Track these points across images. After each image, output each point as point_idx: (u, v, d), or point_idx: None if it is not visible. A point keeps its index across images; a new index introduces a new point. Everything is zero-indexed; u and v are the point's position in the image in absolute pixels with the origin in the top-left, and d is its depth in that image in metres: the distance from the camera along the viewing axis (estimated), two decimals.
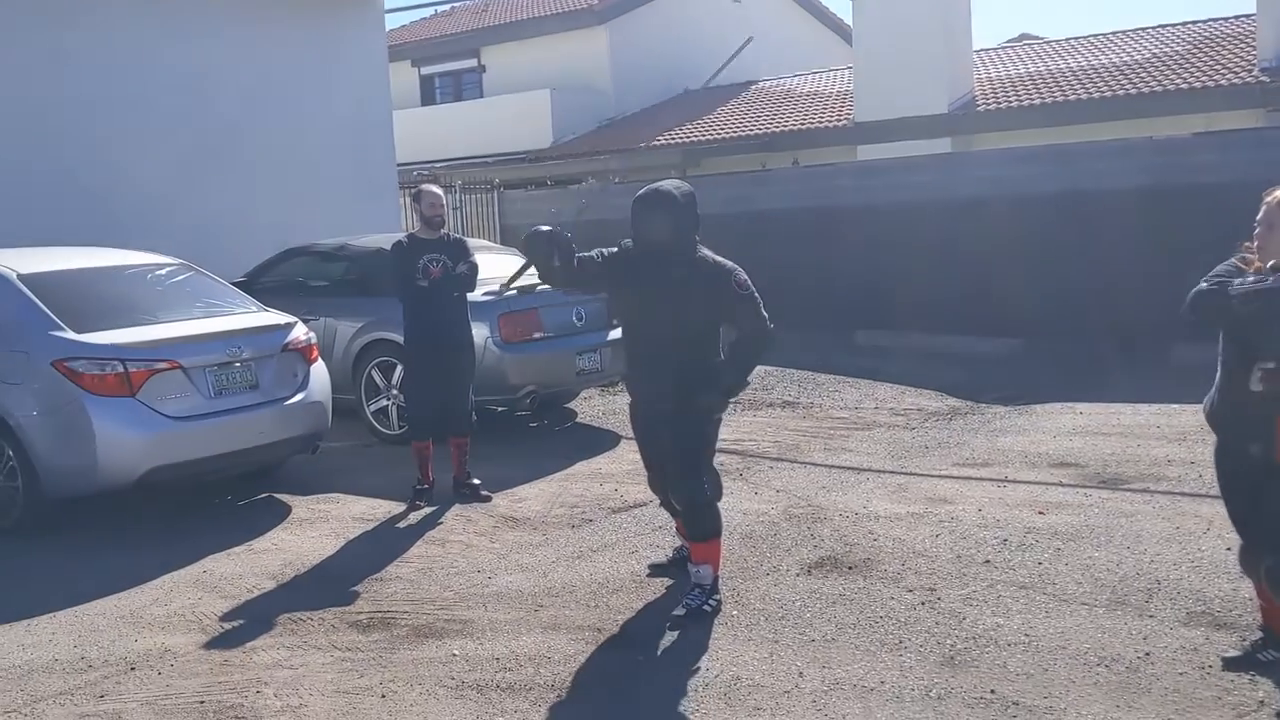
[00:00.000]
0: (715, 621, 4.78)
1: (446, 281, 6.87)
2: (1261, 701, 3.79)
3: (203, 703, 4.20)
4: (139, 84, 11.38)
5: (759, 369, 11.48)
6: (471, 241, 7.68)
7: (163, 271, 7.29)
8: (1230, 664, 3.98)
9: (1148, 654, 4.20)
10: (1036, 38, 24.19)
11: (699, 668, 4.31)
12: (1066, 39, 20.10)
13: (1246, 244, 3.92)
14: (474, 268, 6.99)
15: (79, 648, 4.80)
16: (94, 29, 11.07)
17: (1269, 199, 3.84)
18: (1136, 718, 3.71)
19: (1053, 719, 3.73)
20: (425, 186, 7.09)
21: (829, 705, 3.93)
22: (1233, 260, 3.92)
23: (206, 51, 11.93)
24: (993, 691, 3.95)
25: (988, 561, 5.36)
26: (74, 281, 6.81)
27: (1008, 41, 24.73)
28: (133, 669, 4.55)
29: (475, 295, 7.42)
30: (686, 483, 4.84)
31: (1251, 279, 3.72)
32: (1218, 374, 3.97)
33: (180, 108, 11.71)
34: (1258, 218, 3.85)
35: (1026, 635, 4.43)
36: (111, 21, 11.22)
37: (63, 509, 6.51)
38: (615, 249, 4.94)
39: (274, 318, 7.11)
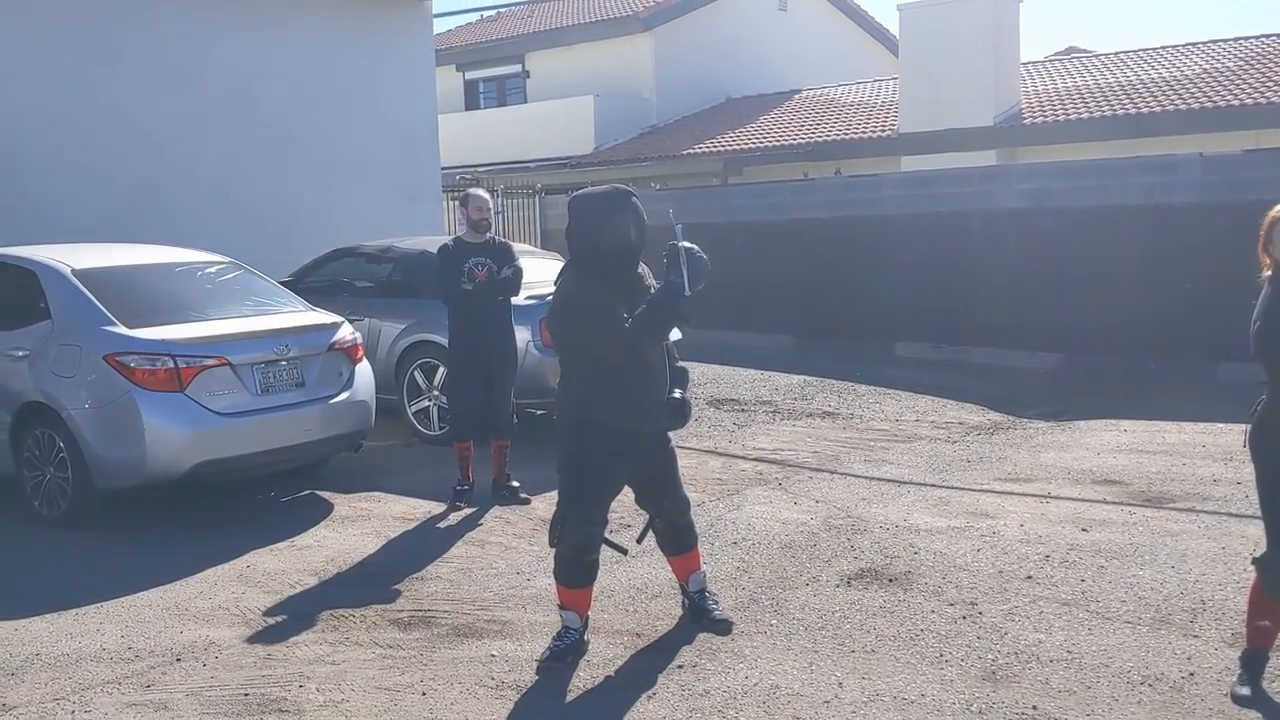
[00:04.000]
0: (755, 629, 4.79)
1: (491, 285, 6.92)
2: None
3: (246, 695, 4.26)
4: (189, 85, 11.56)
5: (797, 379, 11.58)
6: (516, 246, 7.72)
7: (212, 269, 7.40)
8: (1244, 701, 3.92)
9: (1192, 674, 4.16)
10: (1085, 51, 24.01)
11: (738, 676, 4.32)
12: (1115, 53, 19.93)
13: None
14: (519, 272, 7.03)
15: (125, 638, 4.88)
16: (144, 30, 11.26)
17: None
18: None
19: None
20: (472, 190, 7.14)
21: (869, 716, 3.92)
22: (1266, 289, 3.90)
23: (256, 53, 12.09)
24: (1035, 708, 3.93)
25: (1030, 577, 5.32)
26: (126, 277, 6.92)
27: (1055, 54, 24.55)
28: (178, 660, 4.62)
29: (518, 299, 7.46)
30: (683, 494, 4.89)
31: None
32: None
33: (229, 109, 11.88)
34: None
35: (1069, 652, 4.40)
36: (162, 22, 11.40)
37: (110, 502, 6.61)
38: (572, 288, 4.53)
39: (321, 317, 7.19)
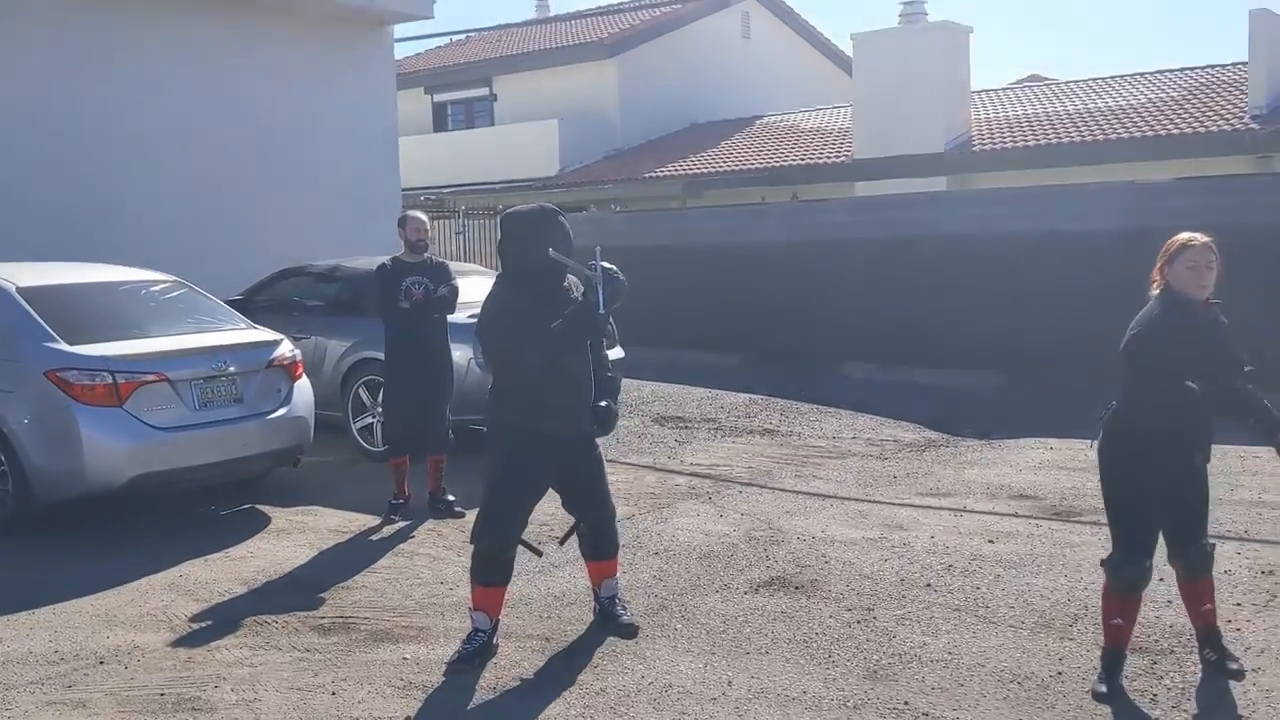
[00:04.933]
0: (659, 634, 5.00)
1: (428, 304, 7.15)
2: (1153, 718, 4.00)
3: (163, 695, 4.44)
4: (151, 106, 11.75)
5: (744, 397, 11.84)
6: (455, 265, 7.95)
7: (157, 288, 7.59)
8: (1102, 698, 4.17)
9: (1060, 673, 4.41)
10: (1047, 79, 24.47)
11: (635, 675, 4.53)
12: (1067, 82, 20.40)
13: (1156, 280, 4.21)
14: (454, 290, 7.26)
15: (54, 642, 5.05)
16: (109, 49, 11.45)
17: (1194, 243, 4.11)
18: None
19: None
20: (410, 212, 7.38)
21: (750, 712, 4.14)
22: (1153, 304, 4.18)
23: (220, 75, 12.31)
24: (906, 703, 4.16)
25: (929, 585, 5.57)
26: (70, 295, 7.11)
27: (1018, 81, 25.03)
28: (101, 663, 4.80)
29: (459, 317, 7.69)
30: (609, 502, 5.12)
31: None
32: (1142, 396, 4.19)
33: (192, 128, 12.08)
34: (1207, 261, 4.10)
35: (950, 653, 4.65)
36: (126, 42, 11.60)
37: (52, 513, 6.77)
38: (499, 299, 4.84)
39: (260, 334, 7.38)
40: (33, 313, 6.76)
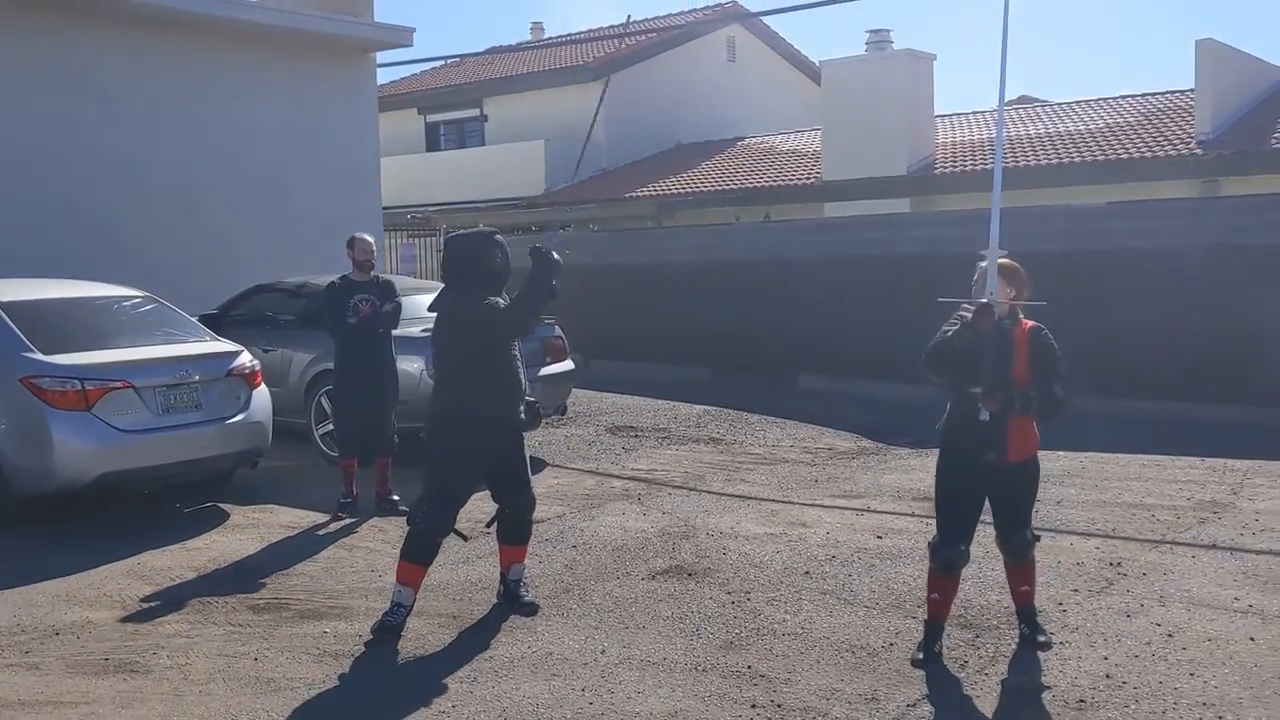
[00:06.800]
0: (556, 613, 5.61)
1: (374, 319, 7.79)
2: (958, 679, 4.60)
3: (107, 659, 5.06)
4: (135, 129, 12.46)
5: (699, 408, 12.45)
6: (407, 282, 8.59)
7: (128, 303, 8.24)
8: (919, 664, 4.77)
9: (892, 644, 5.00)
10: (1037, 100, 25.01)
11: (523, 646, 5.14)
12: (1031, 105, 21.02)
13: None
14: (398, 307, 7.91)
15: (16, 618, 5.67)
16: (102, 75, 12.18)
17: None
18: (850, 687, 4.52)
19: (786, 687, 4.54)
20: (357, 235, 8.04)
21: (613, 673, 4.75)
22: (957, 315, 4.83)
23: (209, 100, 13.04)
24: (749, 667, 4.76)
25: (807, 573, 6.16)
26: (48, 309, 7.76)
27: (1008, 103, 25.55)
28: (57, 634, 5.42)
29: (414, 331, 8.36)
30: (530, 493, 5.73)
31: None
32: (949, 403, 4.88)
33: (174, 152, 12.78)
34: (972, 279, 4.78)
35: (803, 628, 5.24)
36: (118, 68, 12.32)
37: (29, 508, 7.39)
38: (446, 299, 5.57)
39: (221, 346, 8.02)
40: (12, 325, 7.40)
